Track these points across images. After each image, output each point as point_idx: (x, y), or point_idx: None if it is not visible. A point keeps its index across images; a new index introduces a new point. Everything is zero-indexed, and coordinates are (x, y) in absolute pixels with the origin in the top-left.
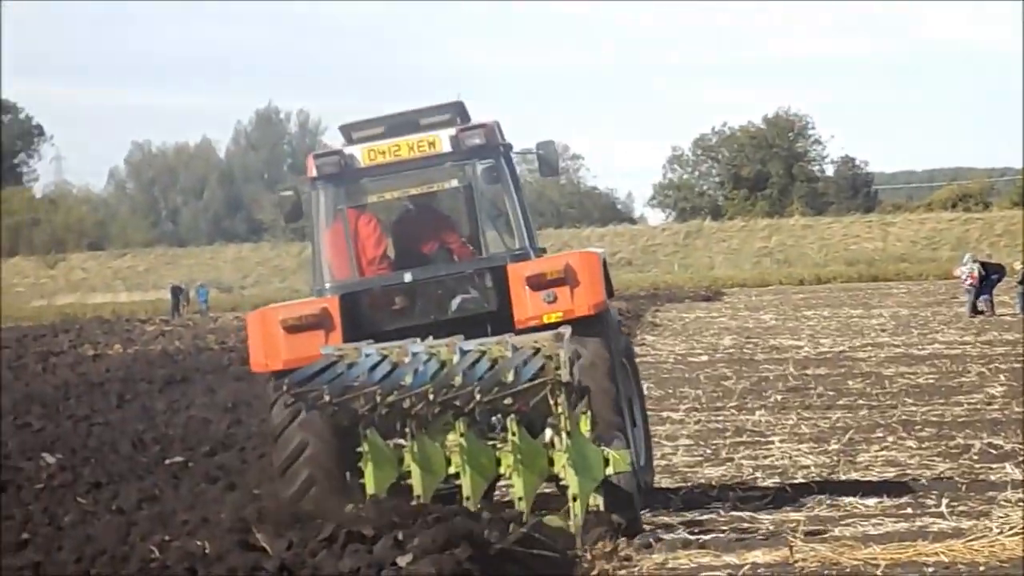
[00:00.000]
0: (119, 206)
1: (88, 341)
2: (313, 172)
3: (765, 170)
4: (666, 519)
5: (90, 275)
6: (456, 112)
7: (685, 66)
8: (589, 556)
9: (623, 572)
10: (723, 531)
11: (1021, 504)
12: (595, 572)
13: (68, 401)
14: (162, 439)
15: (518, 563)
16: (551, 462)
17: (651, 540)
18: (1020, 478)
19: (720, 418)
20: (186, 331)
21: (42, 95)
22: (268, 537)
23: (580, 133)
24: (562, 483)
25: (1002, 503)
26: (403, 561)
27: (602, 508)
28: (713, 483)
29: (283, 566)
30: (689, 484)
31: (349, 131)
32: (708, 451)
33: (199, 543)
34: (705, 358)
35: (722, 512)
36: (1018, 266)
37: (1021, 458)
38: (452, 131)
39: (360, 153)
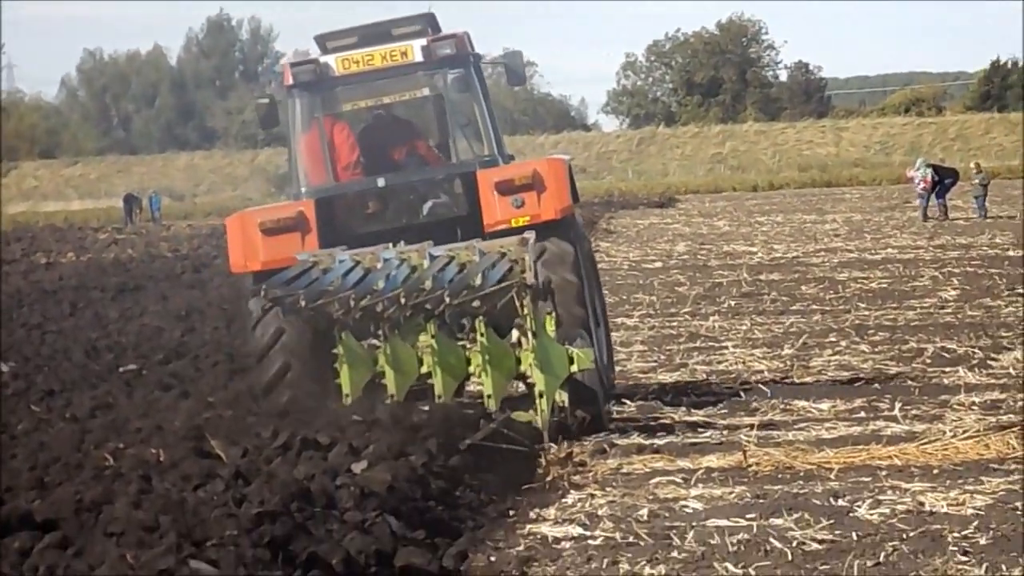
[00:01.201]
0: (71, 114)
1: (40, 249)
2: (289, 80)
3: (718, 76)
4: (620, 425)
5: (42, 183)
6: (427, 23)
7: None
8: (544, 462)
9: (577, 477)
10: (677, 436)
11: (974, 407)
12: (550, 477)
13: (21, 309)
14: (115, 347)
15: (472, 470)
16: (518, 361)
17: (605, 446)
18: (973, 381)
19: (674, 324)
20: (139, 239)
21: None
22: (222, 444)
23: (535, 41)
24: (529, 381)
25: (955, 406)
26: (358, 468)
27: (567, 404)
28: (667, 388)
29: (238, 473)
30: (643, 390)
31: (324, 41)
32: (662, 357)
33: (153, 450)
34: (659, 264)
35: (676, 417)
36: (973, 169)
37: (974, 361)
38: (423, 41)
39: (335, 62)
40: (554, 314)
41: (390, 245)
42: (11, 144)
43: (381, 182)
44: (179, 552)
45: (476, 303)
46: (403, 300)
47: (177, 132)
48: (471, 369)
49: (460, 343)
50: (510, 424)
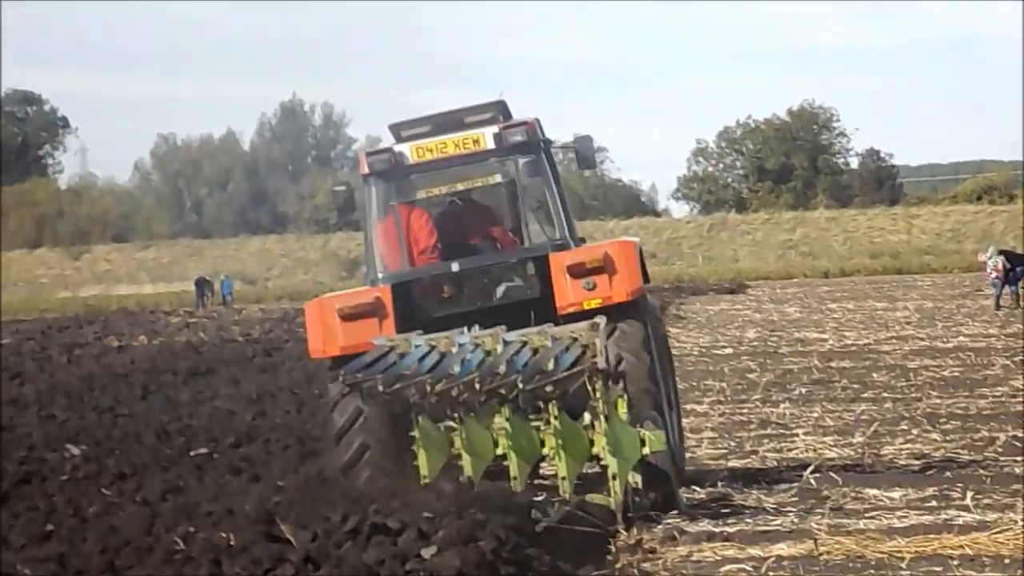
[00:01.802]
0: (144, 198)
1: (113, 332)
2: (365, 169)
3: (789, 162)
4: (691, 512)
5: (115, 267)
6: (498, 110)
7: (710, 56)
8: (614, 548)
9: (647, 565)
10: (747, 524)
11: None
12: (620, 564)
13: (93, 392)
14: (186, 430)
15: (542, 556)
16: (591, 443)
17: (675, 533)
18: None
19: (744, 410)
20: (210, 323)
21: (67, 87)
22: (292, 528)
23: (604, 125)
24: (602, 463)
25: None
26: (427, 553)
27: (640, 486)
28: (737, 475)
29: (307, 558)
30: (713, 476)
31: (398, 130)
32: (732, 443)
33: (223, 534)
34: (729, 351)
35: (746, 504)
36: None
37: None
38: (495, 128)
39: (409, 150)
40: (626, 396)
41: (465, 330)
42: (84, 228)
43: (455, 267)
44: None
45: (549, 387)
46: (478, 385)
47: (249, 216)
48: (545, 451)
49: (534, 424)
50: (583, 506)
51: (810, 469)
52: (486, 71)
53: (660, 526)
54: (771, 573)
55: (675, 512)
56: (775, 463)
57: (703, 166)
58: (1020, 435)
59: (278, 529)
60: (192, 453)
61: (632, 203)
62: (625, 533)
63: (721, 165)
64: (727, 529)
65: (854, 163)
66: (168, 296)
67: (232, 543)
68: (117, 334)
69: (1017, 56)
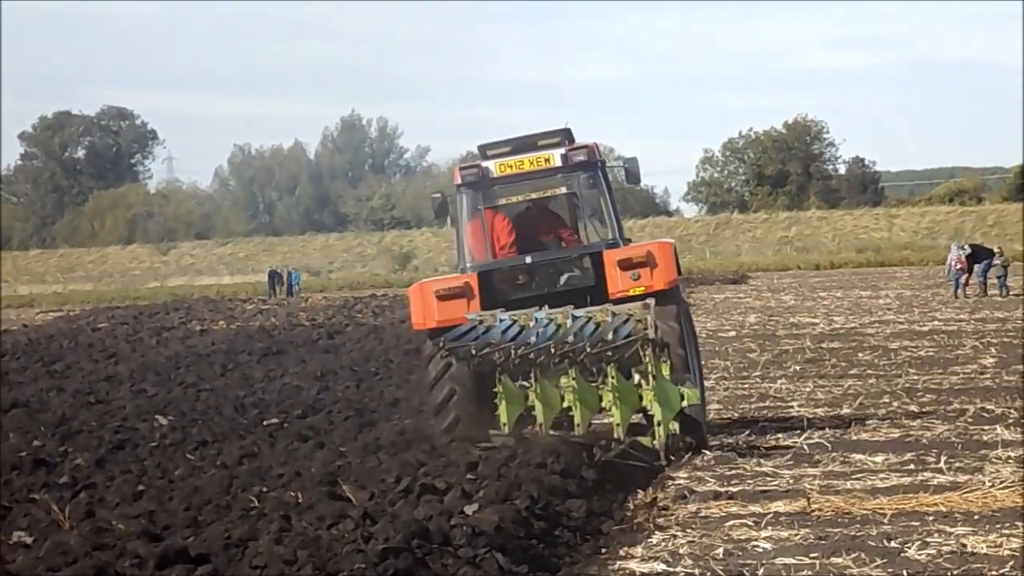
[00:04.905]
0: (223, 201)
1: (196, 318)
2: (458, 180)
3: (785, 169)
4: (699, 474)
5: (197, 261)
6: (565, 135)
7: (715, 78)
8: (631, 506)
9: (661, 520)
10: (748, 484)
11: (1010, 460)
12: (637, 520)
13: (178, 370)
14: (260, 404)
15: (569, 513)
16: (640, 398)
17: (685, 492)
18: (1009, 438)
19: (746, 386)
20: (281, 310)
21: (157, 102)
22: (352, 488)
23: (626, 135)
24: (649, 413)
25: (993, 460)
26: (470, 510)
27: (678, 432)
28: (740, 443)
29: (365, 514)
30: (719, 443)
31: (484, 149)
32: (735, 414)
33: (292, 494)
34: (733, 334)
35: (747, 467)
36: (997, 252)
37: (1010, 421)
38: (562, 150)
39: (493, 166)
40: (668, 361)
41: (539, 308)
42: (170, 227)
43: (528, 259)
44: None
45: (609, 353)
46: (552, 351)
47: (314, 217)
48: (603, 404)
49: (592, 384)
50: (634, 445)
51: (803, 437)
52: (510, 93)
53: (672, 486)
54: (769, 527)
55: (685, 475)
56: (773, 431)
57: (710, 172)
58: (987, 407)
59: (340, 489)
60: (265, 423)
61: (648, 205)
62: (642, 492)
63: (726, 171)
64: (731, 489)
65: (842, 169)
66: (244, 286)
67: (300, 501)
68: (200, 319)
69: (985, 77)
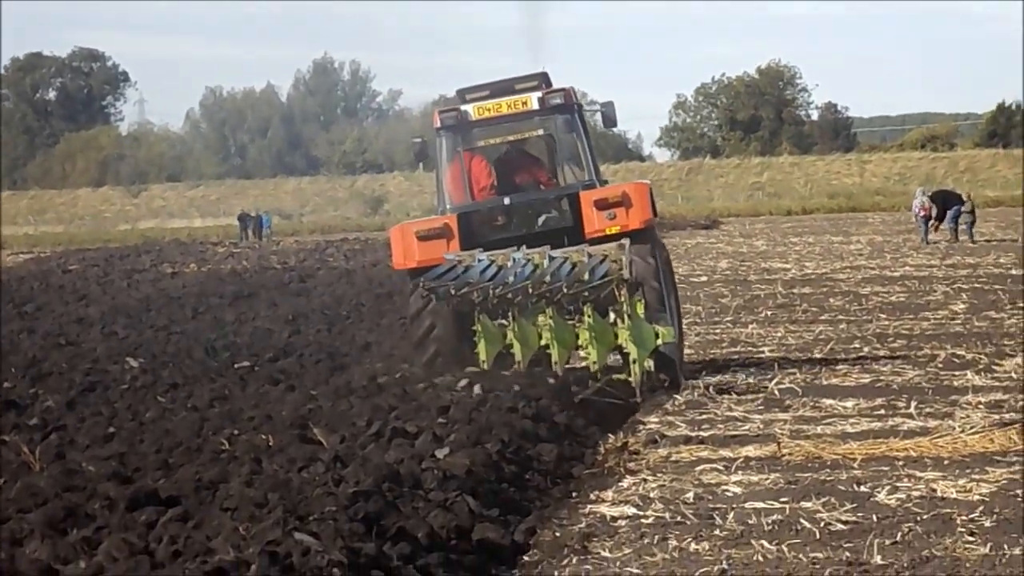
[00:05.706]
0: (194, 143)
1: (167, 261)
2: (437, 123)
3: (758, 115)
4: (670, 419)
5: (168, 203)
6: (542, 79)
7: (689, 21)
8: (602, 450)
9: (632, 464)
10: (719, 429)
11: (980, 406)
12: (608, 464)
13: (150, 313)
14: (231, 347)
15: (540, 457)
16: (616, 336)
17: (656, 437)
18: (979, 384)
19: (717, 331)
20: (252, 253)
21: (129, 45)
22: (323, 432)
23: (598, 79)
24: (624, 351)
25: (963, 405)
26: (441, 453)
27: (653, 369)
28: (711, 387)
29: (336, 457)
30: (689, 388)
31: (463, 93)
32: (706, 359)
33: (263, 437)
34: (704, 279)
35: (718, 412)
36: (964, 198)
37: (980, 366)
38: (539, 94)
39: (472, 109)
40: (643, 300)
41: (517, 248)
42: (142, 169)
43: (507, 200)
44: (285, 525)
45: (586, 293)
46: (530, 290)
47: (286, 160)
48: (579, 342)
49: (569, 322)
50: (610, 383)
51: (774, 382)
52: (485, 39)
53: (643, 431)
54: (739, 471)
55: (656, 419)
56: (744, 376)
57: (682, 118)
58: (958, 352)
59: (311, 432)
60: (236, 366)
61: (621, 150)
62: (613, 437)
63: (698, 117)
64: (701, 433)
65: (814, 115)
66: (215, 229)
67: (271, 444)
68: (171, 262)
69: (958, 24)
